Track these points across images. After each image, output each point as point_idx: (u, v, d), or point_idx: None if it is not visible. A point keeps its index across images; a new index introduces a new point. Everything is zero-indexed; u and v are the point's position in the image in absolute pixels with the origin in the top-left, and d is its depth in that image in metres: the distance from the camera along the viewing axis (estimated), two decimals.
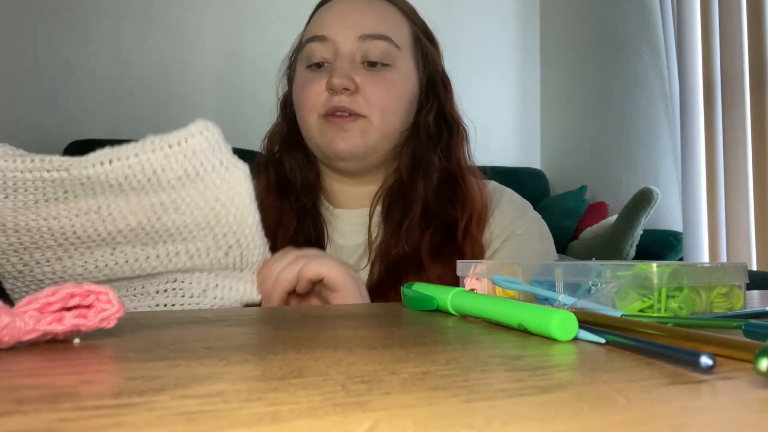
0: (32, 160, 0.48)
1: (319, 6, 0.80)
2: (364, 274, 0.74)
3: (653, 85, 2.55)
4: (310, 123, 0.75)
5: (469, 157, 0.82)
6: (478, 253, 0.74)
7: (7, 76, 2.31)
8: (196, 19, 2.58)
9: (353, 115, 0.73)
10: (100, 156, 0.48)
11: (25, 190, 0.49)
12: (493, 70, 3.09)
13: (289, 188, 0.78)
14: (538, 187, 2.88)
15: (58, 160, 0.48)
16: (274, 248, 0.69)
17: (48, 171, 0.48)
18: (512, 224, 0.78)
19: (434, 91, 0.80)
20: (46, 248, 0.52)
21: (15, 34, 2.33)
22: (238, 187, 0.51)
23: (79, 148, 2.24)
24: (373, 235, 0.77)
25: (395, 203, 0.76)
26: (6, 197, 0.49)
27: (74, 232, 0.51)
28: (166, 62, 2.52)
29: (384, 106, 0.73)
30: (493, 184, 0.84)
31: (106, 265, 0.53)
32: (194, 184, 0.50)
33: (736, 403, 0.21)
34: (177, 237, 0.53)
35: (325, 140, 0.74)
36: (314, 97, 0.73)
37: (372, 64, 0.74)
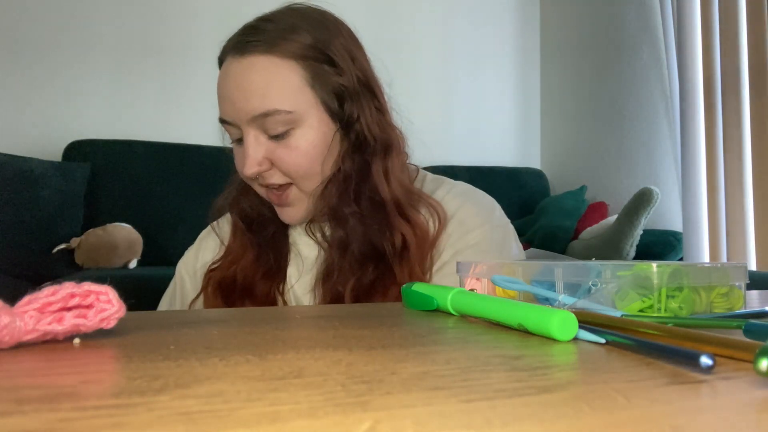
0: None
1: (220, 62, 0.80)
2: (318, 291, 0.75)
3: (653, 85, 2.55)
4: (257, 191, 0.78)
5: (402, 172, 0.77)
6: (422, 276, 0.73)
7: (6, 75, 2.31)
8: (197, 12, 2.58)
9: (281, 186, 0.74)
10: None
11: None
12: (492, 71, 3.09)
13: (251, 224, 0.81)
14: (538, 187, 2.88)
15: None
16: (236, 277, 0.77)
17: None
18: (466, 236, 0.76)
19: (352, 114, 0.74)
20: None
21: (14, 33, 2.33)
22: None
23: (80, 148, 2.25)
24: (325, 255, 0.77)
25: (329, 247, 0.77)
26: None
27: None
28: (166, 61, 2.52)
29: (302, 172, 0.73)
30: (455, 192, 0.80)
31: None
32: None
33: (736, 403, 0.21)
34: None
35: (275, 207, 0.78)
36: (246, 175, 0.75)
37: (275, 136, 0.72)
